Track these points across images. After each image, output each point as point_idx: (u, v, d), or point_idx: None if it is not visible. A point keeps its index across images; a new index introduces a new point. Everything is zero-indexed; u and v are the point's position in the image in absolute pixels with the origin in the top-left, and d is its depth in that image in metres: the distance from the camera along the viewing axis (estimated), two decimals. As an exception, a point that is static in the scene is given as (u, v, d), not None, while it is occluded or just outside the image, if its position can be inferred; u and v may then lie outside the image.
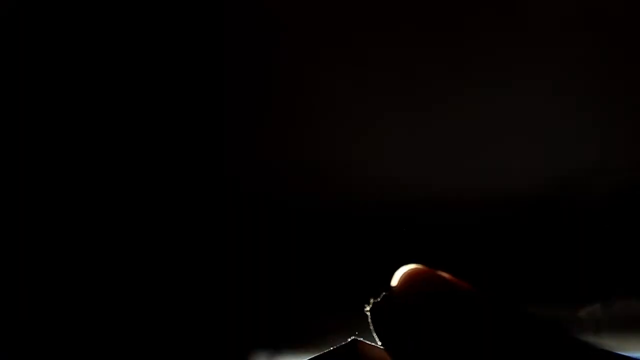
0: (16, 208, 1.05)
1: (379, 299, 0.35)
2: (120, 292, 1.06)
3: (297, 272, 1.01)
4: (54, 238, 1.06)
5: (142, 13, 0.98)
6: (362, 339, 0.36)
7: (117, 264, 1.08)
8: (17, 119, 1.03)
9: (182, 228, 1.07)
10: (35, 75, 1.02)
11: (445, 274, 0.36)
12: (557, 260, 0.97)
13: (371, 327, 0.35)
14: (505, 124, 0.82)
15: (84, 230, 1.06)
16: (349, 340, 0.36)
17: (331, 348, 0.36)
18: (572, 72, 0.91)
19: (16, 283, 1.04)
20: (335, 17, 0.95)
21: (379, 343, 0.35)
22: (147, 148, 1.06)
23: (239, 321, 1.04)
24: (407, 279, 0.34)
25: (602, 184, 0.97)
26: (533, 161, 0.97)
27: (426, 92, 0.75)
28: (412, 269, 0.35)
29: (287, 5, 0.95)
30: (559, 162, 0.98)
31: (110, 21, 0.99)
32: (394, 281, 0.35)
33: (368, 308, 0.35)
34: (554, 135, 0.96)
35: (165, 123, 1.05)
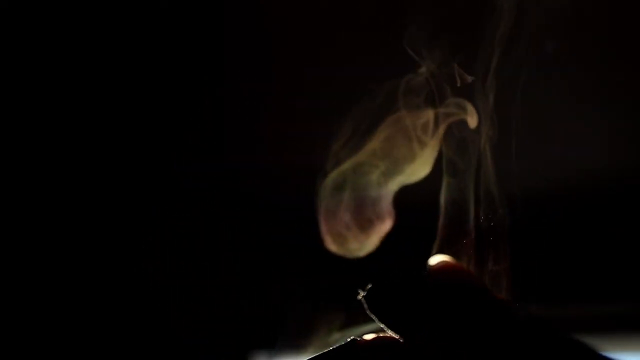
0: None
1: (373, 286, 0.37)
2: (121, 291, 1.06)
3: (296, 272, 1.01)
4: (50, 238, 1.05)
5: (144, 14, 0.98)
6: (361, 339, 0.37)
7: (117, 263, 1.08)
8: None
9: (182, 228, 1.07)
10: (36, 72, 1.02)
11: (468, 270, 0.39)
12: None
13: (367, 309, 0.37)
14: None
15: (83, 230, 1.06)
16: (349, 340, 0.36)
17: (331, 348, 0.37)
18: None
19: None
20: (335, 17, 0.95)
21: (378, 321, 0.37)
22: (146, 148, 1.06)
23: (239, 321, 1.03)
24: (439, 270, 0.37)
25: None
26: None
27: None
28: (445, 263, 0.37)
29: (286, 7, 0.95)
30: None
31: (112, 20, 0.99)
32: (430, 265, 0.37)
33: (362, 294, 0.37)
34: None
35: (165, 122, 1.05)
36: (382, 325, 0.37)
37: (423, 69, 0.45)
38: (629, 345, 0.95)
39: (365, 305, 0.37)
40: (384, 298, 0.37)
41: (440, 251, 0.40)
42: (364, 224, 0.45)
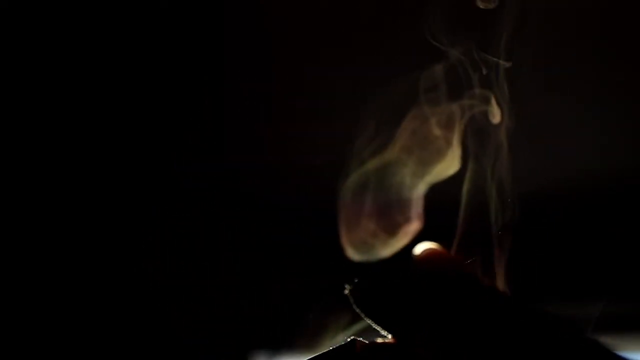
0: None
1: (358, 281, 0.37)
2: (121, 291, 1.06)
3: (296, 272, 1.01)
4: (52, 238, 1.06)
5: (144, 14, 0.98)
6: (361, 339, 0.37)
7: (117, 263, 1.08)
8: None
9: (182, 228, 1.07)
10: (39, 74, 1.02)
11: (458, 258, 0.38)
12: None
13: (353, 304, 0.37)
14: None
15: (83, 230, 1.06)
16: (349, 340, 0.36)
17: (331, 348, 0.36)
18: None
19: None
20: (335, 17, 0.95)
21: (365, 316, 0.36)
22: (147, 148, 1.06)
23: (239, 321, 1.03)
24: (425, 259, 0.36)
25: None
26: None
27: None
28: (430, 250, 0.37)
29: (287, 7, 0.95)
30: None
31: (112, 20, 0.99)
32: (415, 254, 0.37)
33: (348, 289, 0.37)
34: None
35: (165, 122, 1.05)
36: (368, 320, 0.37)
37: (439, 65, 0.45)
38: (629, 345, 0.95)
39: (351, 300, 0.37)
40: (369, 292, 0.36)
41: (460, 248, 0.39)
42: (391, 228, 0.44)
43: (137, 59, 1.01)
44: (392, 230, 0.44)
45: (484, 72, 0.44)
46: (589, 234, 1.00)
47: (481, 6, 0.47)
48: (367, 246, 0.44)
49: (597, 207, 1.00)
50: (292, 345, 0.92)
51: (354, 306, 0.37)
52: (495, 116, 0.42)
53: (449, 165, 0.43)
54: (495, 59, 0.44)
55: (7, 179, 1.04)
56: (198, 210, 1.07)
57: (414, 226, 0.43)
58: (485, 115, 0.43)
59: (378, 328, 0.36)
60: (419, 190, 0.44)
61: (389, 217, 0.44)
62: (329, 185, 0.46)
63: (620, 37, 0.94)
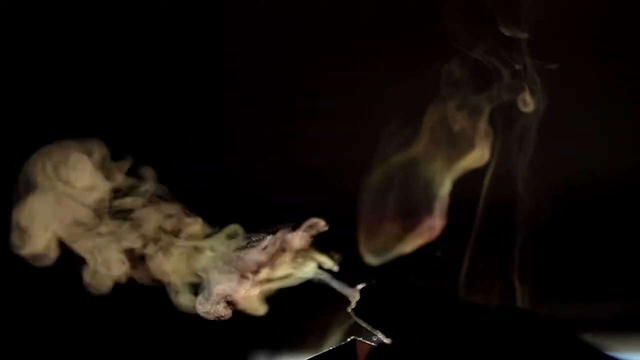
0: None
1: (360, 299, 0.38)
2: (122, 291, 1.06)
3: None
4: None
5: (144, 14, 0.98)
6: (361, 339, 0.37)
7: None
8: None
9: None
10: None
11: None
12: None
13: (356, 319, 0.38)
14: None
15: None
16: (349, 340, 0.37)
17: (331, 348, 0.37)
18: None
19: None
20: (335, 18, 0.95)
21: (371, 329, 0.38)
22: (147, 148, 1.06)
23: (239, 321, 1.03)
24: None
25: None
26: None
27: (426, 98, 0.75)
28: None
29: (288, 8, 0.95)
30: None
31: (114, 20, 0.99)
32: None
33: (351, 308, 0.38)
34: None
35: (165, 122, 1.05)
36: (372, 330, 0.37)
37: (454, 62, 0.45)
38: (629, 345, 0.95)
39: (355, 317, 0.38)
40: (372, 309, 0.38)
41: (478, 243, 0.40)
42: (414, 226, 0.44)
43: (137, 59, 1.01)
44: (414, 228, 0.44)
45: (514, 67, 0.44)
46: (588, 234, 1.00)
47: (507, 34, 0.47)
48: (387, 250, 0.44)
49: (597, 207, 1.00)
50: (292, 345, 0.93)
51: (358, 320, 0.38)
52: (528, 105, 0.43)
53: (476, 158, 0.43)
54: (518, 55, 0.44)
55: (9, 179, 1.04)
56: (198, 210, 1.07)
57: (437, 223, 0.44)
58: (512, 106, 0.43)
59: (381, 335, 0.37)
60: (445, 187, 0.44)
61: (413, 215, 0.44)
62: (329, 185, 0.46)
63: (620, 37, 0.94)
